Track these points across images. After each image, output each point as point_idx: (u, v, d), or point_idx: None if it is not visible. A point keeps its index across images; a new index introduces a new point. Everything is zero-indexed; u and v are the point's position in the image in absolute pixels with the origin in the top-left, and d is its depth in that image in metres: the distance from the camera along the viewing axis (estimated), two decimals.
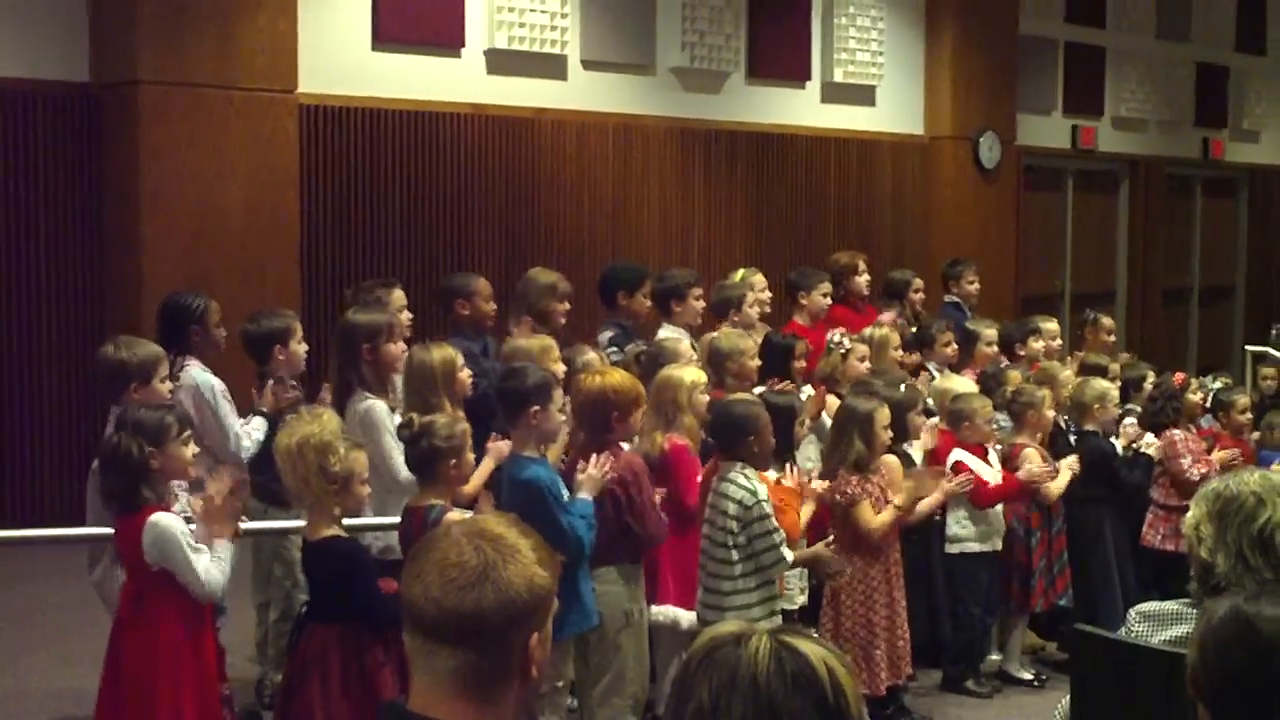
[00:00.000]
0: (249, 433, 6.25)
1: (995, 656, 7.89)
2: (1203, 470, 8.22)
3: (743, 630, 2.09)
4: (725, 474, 5.89)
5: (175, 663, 4.82)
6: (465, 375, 6.31)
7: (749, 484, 5.83)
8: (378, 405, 6.07)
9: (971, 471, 7.33)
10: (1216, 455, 8.40)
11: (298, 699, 4.81)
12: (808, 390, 7.77)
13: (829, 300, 9.17)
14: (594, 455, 5.60)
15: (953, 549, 7.50)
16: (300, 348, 6.67)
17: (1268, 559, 3.95)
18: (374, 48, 10.05)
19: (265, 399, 6.34)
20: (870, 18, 12.87)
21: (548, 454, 5.88)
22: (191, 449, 5.17)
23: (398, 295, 7.35)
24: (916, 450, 7.34)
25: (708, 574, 5.95)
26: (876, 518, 6.52)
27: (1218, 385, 9.51)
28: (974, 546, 7.52)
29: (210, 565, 4.87)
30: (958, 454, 7.45)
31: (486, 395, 6.49)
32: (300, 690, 4.81)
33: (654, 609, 6.29)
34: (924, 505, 7.02)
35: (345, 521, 5.06)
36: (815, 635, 2.12)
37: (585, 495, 5.50)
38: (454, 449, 5.21)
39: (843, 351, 7.91)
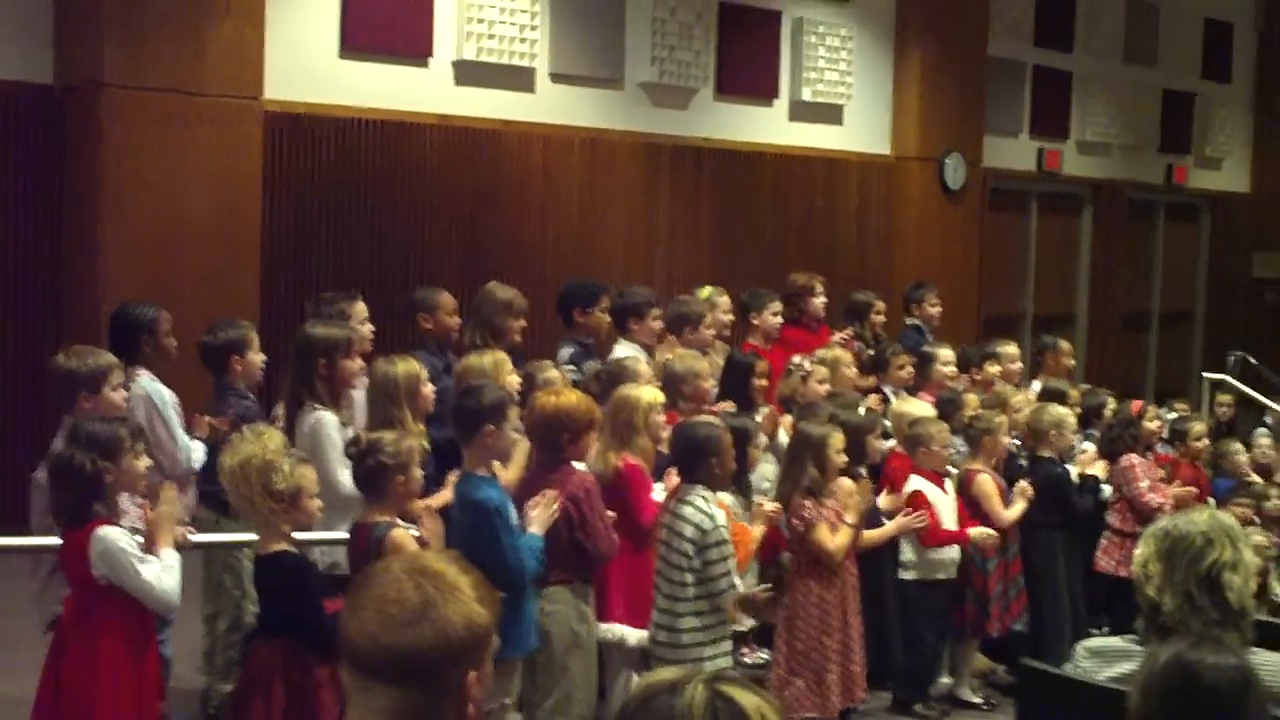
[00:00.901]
0: (197, 447, 6.23)
1: (945, 679, 7.92)
2: (1160, 500, 8.27)
3: (679, 678, 2.09)
4: (684, 496, 5.89)
5: (115, 679, 4.78)
6: (428, 390, 6.29)
7: (707, 508, 5.83)
8: (326, 418, 6.03)
9: (928, 506, 7.35)
10: (1173, 491, 8.44)
11: (242, 714, 4.79)
12: (764, 410, 7.79)
13: (780, 320, 9.18)
14: (545, 490, 5.59)
15: (906, 575, 7.53)
16: (257, 358, 6.64)
17: (1214, 599, 3.97)
18: (341, 56, 10.01)
19: (201, 428, 6.30)
20: (840, 37, 12.90)
21: (509, 470, 5.87)
22: (144, 461, 5.13)
23: (360, 308, 7.32)
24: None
25: (662, 595, 5.95)
26: (834, 540, 6.53)
27: (1173, 415, 9.57)
28: (929, 574, 7.54)
29: (161, 573, 4.83)
30: (914, 482, 7.47)
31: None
32: (244, 707, 4.79)
33: (601, 627, 6.28)
34: (876, 535, 7.04)
35: (296, 536, 5.03)
36: (751, 684, 2.12)
37: (535, 530, 5.50)
38: (401, 465, 5.18)
39: (802, 374, 7.93)
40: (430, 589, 2.36)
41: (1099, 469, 8.29)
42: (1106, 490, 8.41)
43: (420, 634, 2.32)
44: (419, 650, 2.32)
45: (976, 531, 7.50)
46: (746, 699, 2.07)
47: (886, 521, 7.31)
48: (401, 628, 2.32)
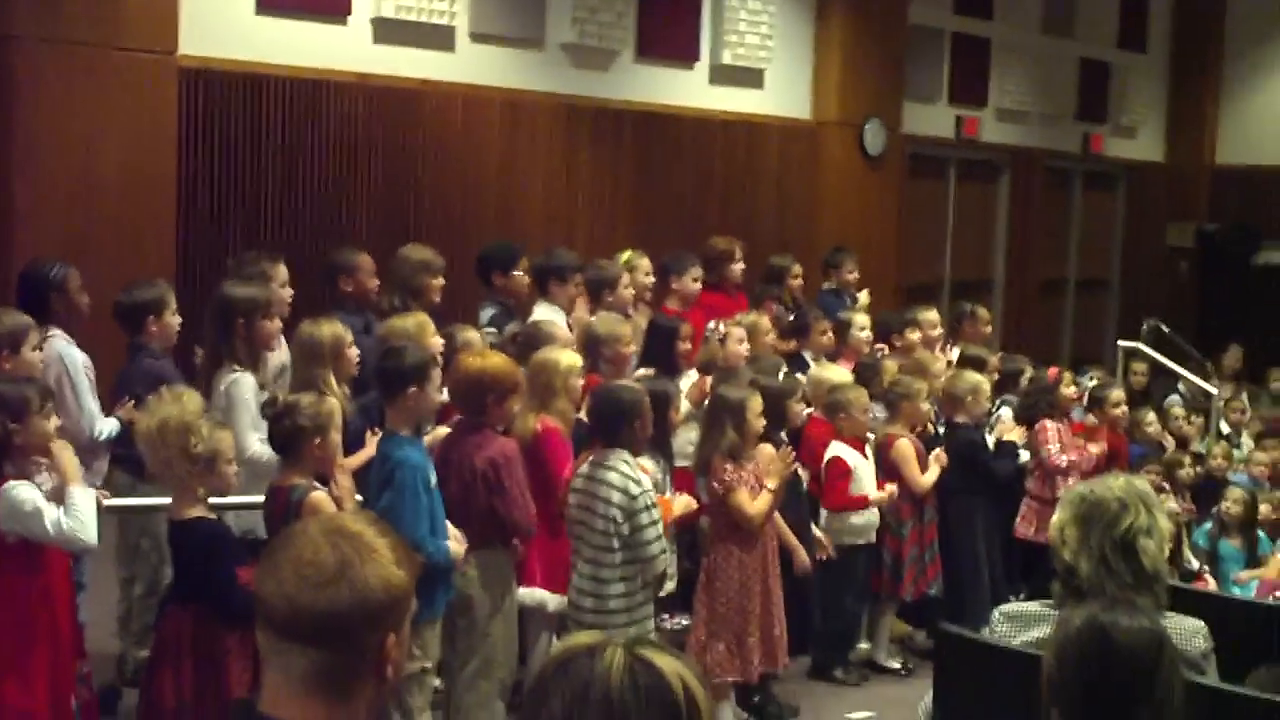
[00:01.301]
0: (106, 422, 6.14)
1: (864, 645, 7.98)
2: (1071, 457, 8.36)
3: (597, 642, 2.07)
4: (605, 460, 5.87)
5: (27, 638, 4.72)
6: (353, 353, 6.25)
7: (632, 472, 5.82)
8: (243, 379, 5.99)
9: (847, 471, 7.41)
10: (1089, 447, 8.53)
11: (154, 681, 4.74)
12: (693, 375, 7.79)
13: (699, 285, 9.17)
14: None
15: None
16: (174, 319, 6.57)
17: (1129, 563, 4.02)
18: (258, 12, 9.82)
19: (124, 410, 6.20)
20: (760, 1, 12.87)
21: (433, 432, 5.83)
22: (54, 421, 5.07)
23: (281, 270, 7.24)
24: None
25: (584, 560, 5.93)
26: (753, 504, 6.53)
27: (1093, 382, 9.66)
28: (848, 539, 7.59)
29: (61, 515, 4.75)
30: (834, 448, 7.51)
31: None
32: (156, 673, 4.74)
33: (520, 591, 6.28)
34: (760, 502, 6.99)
35: (212, 501, 4.98)
36: (670, 648, 2.11)
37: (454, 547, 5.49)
38: (319, 427, 5.14)
39: (719, 339, 7.92)
40: (347, 549, 2.33)
41: (1016, 435, 8.37)
42: (1025, 455, 8.49)
43: (337, 595, 2.29)
44: (336, 612, 2.29)
45: (877, 496, 7.55)
46: (665, 663, 2.05)
47: (806, 490, 7.37)
48: (318, 589, 2.29)
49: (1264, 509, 9.02)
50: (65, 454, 4.98)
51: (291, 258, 9.08)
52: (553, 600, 6.25)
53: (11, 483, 4.76)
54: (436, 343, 6.53)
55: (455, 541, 5.54)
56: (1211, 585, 8.38)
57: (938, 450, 7.85)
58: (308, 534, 2.36)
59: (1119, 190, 18.39)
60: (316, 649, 2.31)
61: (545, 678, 2.07)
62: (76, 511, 4.77)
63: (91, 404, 6.13)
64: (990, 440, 8.32)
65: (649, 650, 2.06)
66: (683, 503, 6.36)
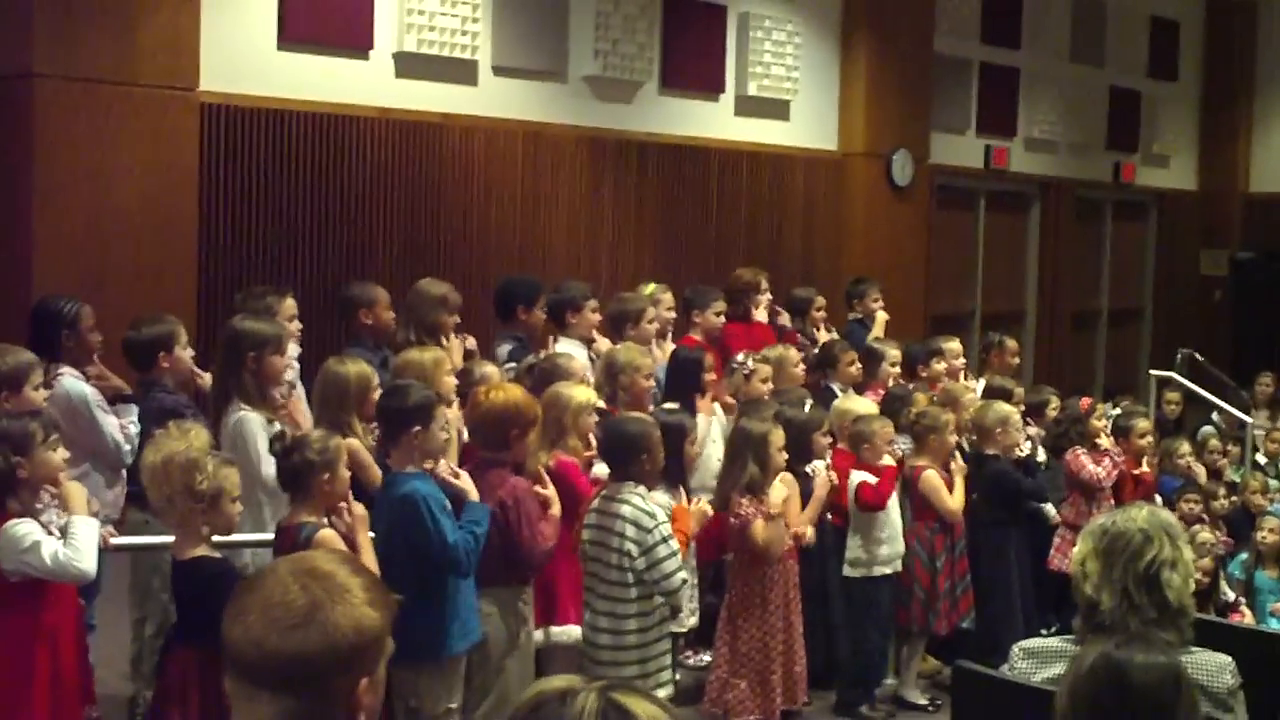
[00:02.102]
0: (128, 433, 6.09)
1: (891, 680, 7.85)
2: (1107, 469, 8.25)
3: (570, 686, 1.98)
4: (617, 494, 5.77)
5: (27, 680, 4.64)
6: (378, 395, 6.16)
7: (645, 505, 5.72)
8: (250, 416, 5.91)
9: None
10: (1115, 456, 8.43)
11: None
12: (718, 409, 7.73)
13: (723, 319, 9.08)
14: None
15: (852, 572, 7.46)
16: (185, 353, 6.51)
17: (1153, 597, 3.91)
18: (280, 47, 9.82)
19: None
20: (786, 32, 12.82)
21: (441, 462, 5.74)
22: (61, 453, 5.01)
23: (289, 304, 7.18)
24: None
25: (599, 597, 5.82)
26: (764, 531, 6.41)
27: (1117, 412, 9.52)
28: (874, 570, 7.48)
29: (60, 548, 4.68)
30: (856, 475, 7.40)
31: None
32: (161, 714, 4.65)
33: (554, 629, 6.19)
34: (807, 514, 6.90)
35: (216, 539, 4.90)
36: (647, 691, 2.01)
37: (474, 497, 5.39)
38: (327, 463, 5.06)
39: (745, 373, 7.84)
40: (318, 591, 2.24)
41: (1028, 447, 8.27)
42: (1041, 455, 8.41)
43: (307, 639, 2.20)
44: (305, 656, 2.20)
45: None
46: (641, 708, 1.95)
47: (830, 518, 7.27)
48: (287, 632, 2.20)
49: None
50: (70, 485, 4.93)
51: (311, 292, 9.10)
52: None
53: (11, 521, 4.70)
54: (450, 382, 6.44)
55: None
56: (1248, 618, 8.23)
57: (959, 462, 7.73)
58: (277, 575, 2.27)
59: (1151, 219, 18.24)
60: (286, 695, 2.22)
61: None
62: (75, 541, 4.71)
63: (112, 430, 6.10)
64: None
65: (624, 694, 1.97)
66: (699, 512, 6.23)
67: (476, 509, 5.44)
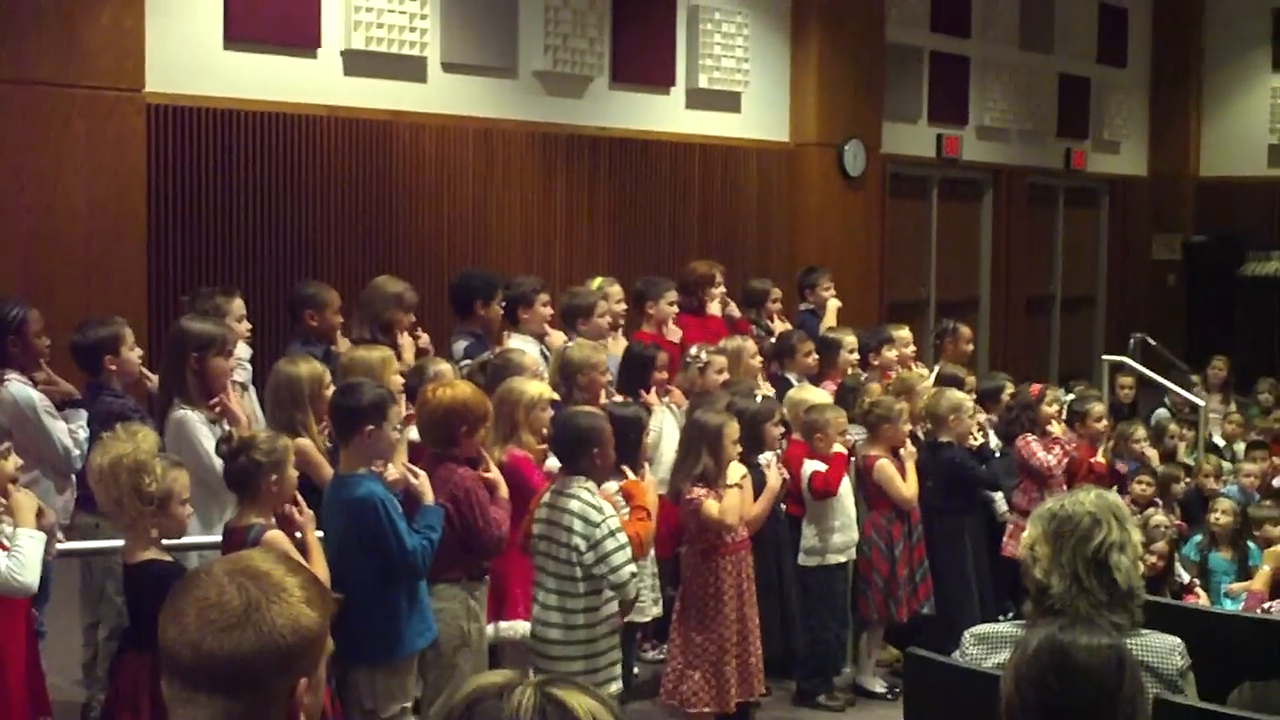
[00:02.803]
0: (77, 438, 6.03)
1: (850, 669, 7.86)
2: (1058, 456, 8.28)
3: (507, 682, 1.96)
4: (566, 488, 5.76)
5: None
6: (330, 393, 6.13)
7: (593, 500, 5.70)
8: (190, 416, 5.87)
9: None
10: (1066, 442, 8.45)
11: None
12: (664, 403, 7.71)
13: (676, 309, 9.07)
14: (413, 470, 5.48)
15: (808, 561, 7.47)
16: (133, 354, 6.45)
17: (1101, 580, 3.92)
18: (226, 46, 9.75)
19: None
20: (736, 24, 12.81)
21: (393, 463, 5.70)
22: (13, 461, 4.94)
23: (237, 304, 7.12)
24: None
25: (548, 591, 5.80)
26: (716, 505, 6.39)
27: (1071, 396, 9.55)
28: (829, 559, 7.49)
29: (3, 560, 4.60)
30: (809, 465, 7.41)
31: None
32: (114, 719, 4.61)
33: (503, 624, 6.18)
34: (763, 501, 6.89)
35: (166, 542, 4.86)
36: (586, 686, 1.99)
37: (429, 500, 5.37)
38: (275, 464, 5.02)
39: (699, 366, 7.83)
40: (254, 591, 2.20)
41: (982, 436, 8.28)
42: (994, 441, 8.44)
43: (243, 639, 2.17)
44: (241, 657, 2.16)
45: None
46: (579, 701, 1.94)
47: (784, 507, 7.27)
48: (222, 633, 2.17)
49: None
50: (19, 496, 4.86)
51: (263, 292, 9.05)
52: None
53: None
54: (397, 380, 6.42)
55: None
56: (1203, 599, 8.26)
57: (909, 447, 7.74)
58: (212, 575, 2.24)
59: (1102, 205, 18.35)
60: (223, 697, 2.18)
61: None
62: (20, 553, 4.64)
63: (58, 432, 6.03)
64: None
65: (561, 689, 1.95)
66: (654, 482, 6.21)
67: (431, 513, 5.42)
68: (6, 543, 4.78)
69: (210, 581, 2.22)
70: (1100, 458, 8.93)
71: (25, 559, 4.64)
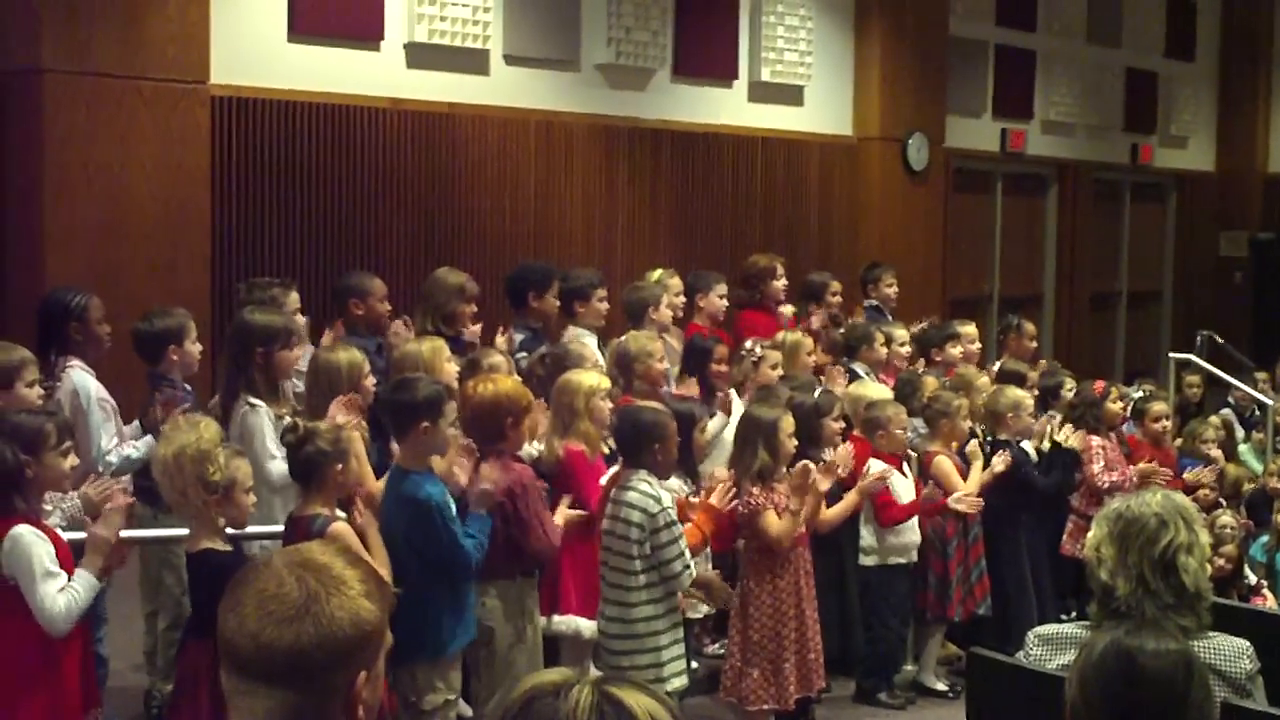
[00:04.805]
0: (129, 447, 6.03)
1: (910, 667, 7.81)
2: (1115, 479, 8.18)
3: (564, 680, 1.94)
4: (627, 482, 5.74)
5: (25, 685, 4.54)
6: (370, 383, 6.13)
7: (652, 491, 5.68)
8: (260, 409, 5.88)
9: (887, 487, 7.25)
10: (1135, 469, 8.34)
11: (174, 716, 4.63)
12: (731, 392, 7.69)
13: (725, 300, 9.04)
14: (481, 464, 5.45)
15: (867, 560, 7.41)
16: (194, 348, 6.47)
17: (1168, 582, 3.86)
18: (290, 39, 9.80)
19: (154, 416, 6.05)
20: (799, 17, 12.75)
21: (440, 462, 5.70)
22: (71, 461, 4.90)
23: (293, 297, 7.16)
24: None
25: (609, 585, 5.80)
26: (777, 525, 6.37)
27: (1138, 394, 9.46)
28: (889, 559, 7.44)
29: (59, 595, 4.52)
30: (873, 465, 7.35)
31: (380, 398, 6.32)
32: (176, 708, 4.63)
33: (555, 619, 6.17)
34: (837, 510, 6.89)
35: (229, 531, 4.88)
36: (643, 684, 1.97)
37: (480, 511, 5.36)
38: (340, 454, 5.02)
39: (754, 360, 7.79)
40: (314, 584, 2.19)
41: (1076, 440, 8.14)
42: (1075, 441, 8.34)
43: (302, 631, 2.16)
44: (300, 649, 2.15)
45: (927, 492, 7.40)
46: (637, 701, 1.91)
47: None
48: (281, 625, 2.16)
49: None
50: (102, 535, 4.70)
51: (325, 284, 9.08)
52: (588, 627, 6.12)
53: (21, 527, 4.59)
54: (450, 370, 6.41)
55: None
56: (1271, 601, 8.16)
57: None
58: (272, 567, 2.23)
59: (1169, 201, 18.15)
60: (282, 689, 2.17)
61: (508, 718, 1.94)
62: (76, 596, 4.53)
63: (101, 437, 6.03)
64: (1029, 451, 8.10)
65: (619, 687, 1.93)
66: (720, 498, 6.16)
67: (481, 521, 5.40)
68: (59, 531, 4.76)
69: (270, 573, 2.21)
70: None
71: (72, 602, 4.55)
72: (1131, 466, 8.39)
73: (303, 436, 5.13)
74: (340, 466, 5.08)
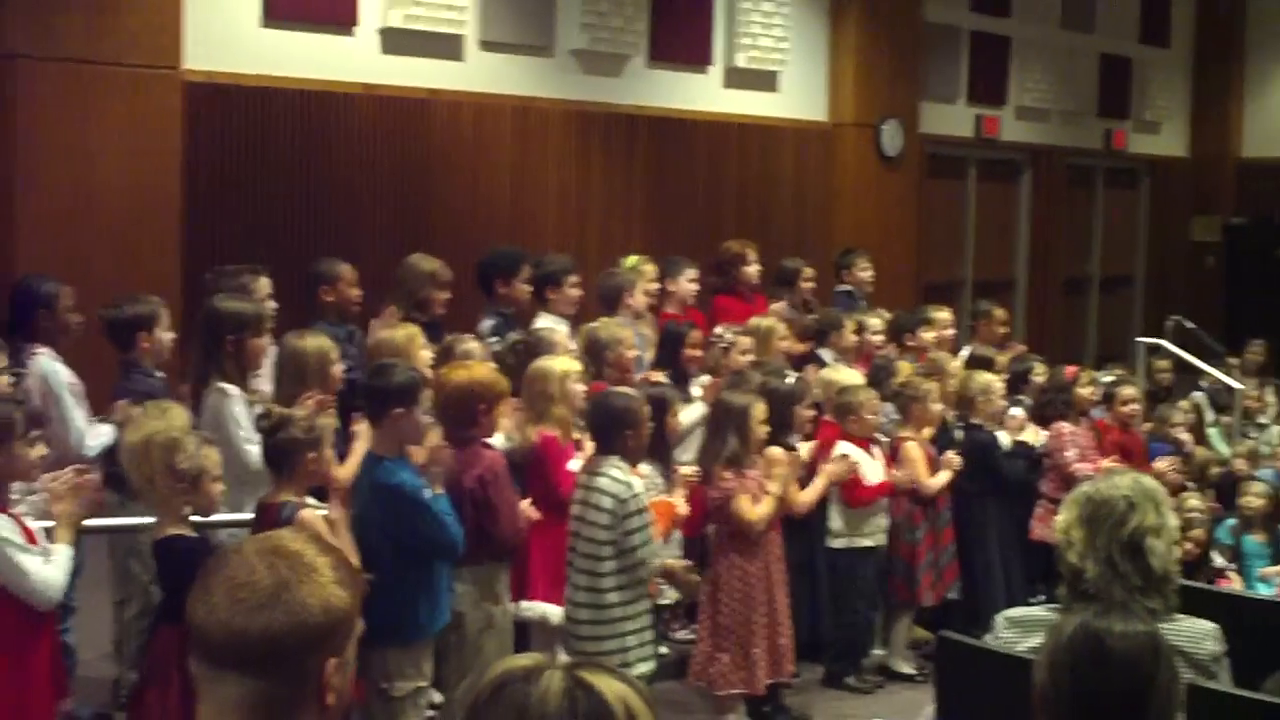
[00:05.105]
0: (96, 434, 6.01)
1: (879, 651, 7.84)
2: (1087, 469, 8.22)
3: (535, 665, 1.95)
4: (598, 468, 5.76)
5: None
6: (338, 370, 6.14)
7: (623, 477, 5.70)
8: (232, 394, 5.87)
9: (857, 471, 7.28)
10: (1105, 464, 8.37)
11: (141, 701, 4.63)
12: (705, 380, 7.69)
13: (695, 285, 9.04)
14: (436, 450, 5.46)
15: (836, 544, 7.44)
16: (166, 335, 6.46)
17: (1136, 565, 3.88)
18: (264, 24, 9.75)
19: (119, 414, 6.04)
20: (774, 3, 12.74)
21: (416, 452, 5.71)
22: (39, 450, 4.87)
23: (264, 283, 7.12)
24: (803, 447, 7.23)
25: (577, 570, 5.82)
26: (755, 510, 6.40)
27: (1109, 378, 9.50)
28: (857, 541, 7.47)
29: (41, 565, 4.57)
30: (842, 448, 7.38)
31: (353, 385, 6.31)
32: (144, 693, 4.63)
33: (523, 604, 6.17)
34: (809, 493, 6.92)
35: (196, 519, 4.87)
36: (615, 669, 1.98)
37: (439, 490, 5.36)
38: (313, 441, 5.03)
39: (724, 346, 7.81)
40: (284, 570, 2.20)
41: (1030, 435, 8.23)
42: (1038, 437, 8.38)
43: (273, 618, 2.16)
44: (271, 636, 2.16)
45: (901, 474, 7.44)
46: (608, 686, 1.92)
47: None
48: (253, 612, 2.16)
49: None
50: (69, 509, 4.75)
51: (301, 271, 9.04)
52: (555, 613, 6.13)
53: None
54: (425, 356, 6.42)
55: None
56: (1236, 583, 8.21)
57: (951, 455, 7.72)
58: (243, 554, 2.24)
59: (1142, 186, 18.19)
60: (253, 677, 2.18)
61: (479, 704, 1.95)
62: (56, 566, 4.55)
63: (79, 420, 6.02)
64: (1003, 439, 8.16)
65: (590, 673, 1.94)
66: (682, 502, 6.20)
67: (444, 501, 5.40)
68: (31, 528, 4.75)
69: (240, 561, 2.22)
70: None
71: (56, 573, 4.58)
72: (1103, 460, 8.42)
73: (276, 423, 5.13)
74: (314, 455, 5.08)
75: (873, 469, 7.46)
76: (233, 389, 5.89)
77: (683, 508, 6.16)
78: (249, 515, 5.24)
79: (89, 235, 8.75)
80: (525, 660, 1.99)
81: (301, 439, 5.06)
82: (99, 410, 6.29)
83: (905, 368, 8.28)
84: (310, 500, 5.15)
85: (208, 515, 4.94)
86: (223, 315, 6.06)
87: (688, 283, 8.94)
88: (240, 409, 5.81)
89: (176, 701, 4.50)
